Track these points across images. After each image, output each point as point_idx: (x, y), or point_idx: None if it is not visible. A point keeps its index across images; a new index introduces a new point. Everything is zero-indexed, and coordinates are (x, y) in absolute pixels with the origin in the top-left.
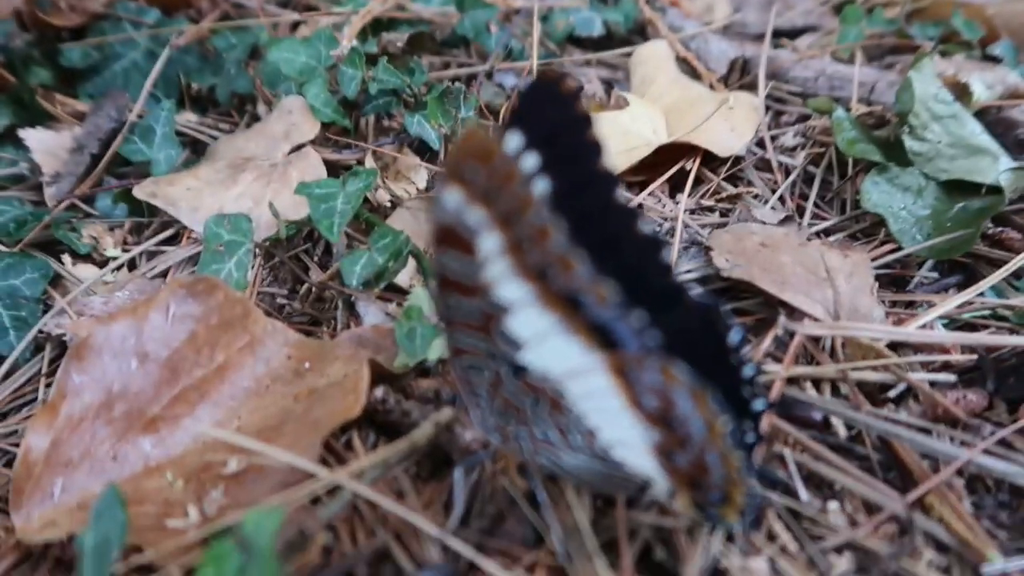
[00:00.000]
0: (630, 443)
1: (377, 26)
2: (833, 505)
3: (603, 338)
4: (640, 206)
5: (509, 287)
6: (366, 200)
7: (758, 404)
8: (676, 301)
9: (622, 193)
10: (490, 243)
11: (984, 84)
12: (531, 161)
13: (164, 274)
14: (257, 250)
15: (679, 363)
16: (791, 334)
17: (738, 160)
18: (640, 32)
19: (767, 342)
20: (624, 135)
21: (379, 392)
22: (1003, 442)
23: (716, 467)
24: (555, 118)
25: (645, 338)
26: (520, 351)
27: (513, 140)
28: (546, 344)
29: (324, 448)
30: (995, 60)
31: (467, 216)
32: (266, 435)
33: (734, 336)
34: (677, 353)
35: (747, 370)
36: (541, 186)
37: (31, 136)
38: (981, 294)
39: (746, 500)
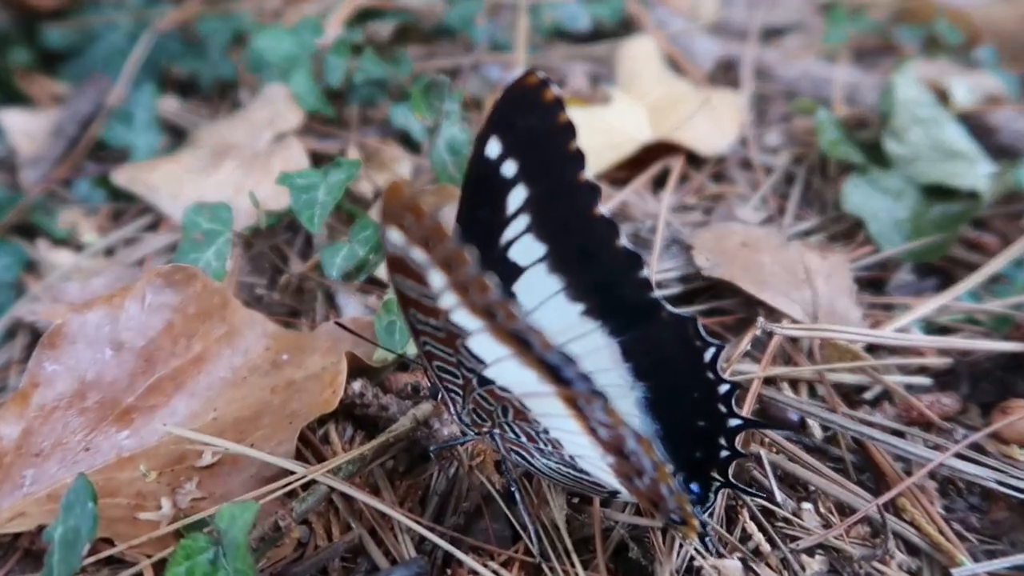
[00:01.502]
0: (591, 460)
1: (363, 15)
2: (807, 506)
3: (555, 374)
4: (623, 203)
5: (463, 318)
6: (348, 191)
7: (733, 421)
8: (653, 314)
9: (602, 207)
10: (437, 281)
11: (966, 88)
12: (509, 168)
13: (142, 262)
14: (237, 240)
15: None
16: (769, 334)
17: (721, 159)
18: (627, 27)
19: (745, 342)
20: (608, 132)
21: (357, 385)
22: (975, 446)
23: (669, 498)
24: (536, 126)
25: (591, 384)
26: (483, 367)
27: (491, 147)
28: (504, 367)
29: (301, 441)
30: (978, 64)
31: (412, 254)
32: (242, 427)
33: (711, 353)
34: (655, 365)
35: (723, 387)
36: (519, 193)
37: (9, 118)
38: (957, 298)
39: (703, 528)
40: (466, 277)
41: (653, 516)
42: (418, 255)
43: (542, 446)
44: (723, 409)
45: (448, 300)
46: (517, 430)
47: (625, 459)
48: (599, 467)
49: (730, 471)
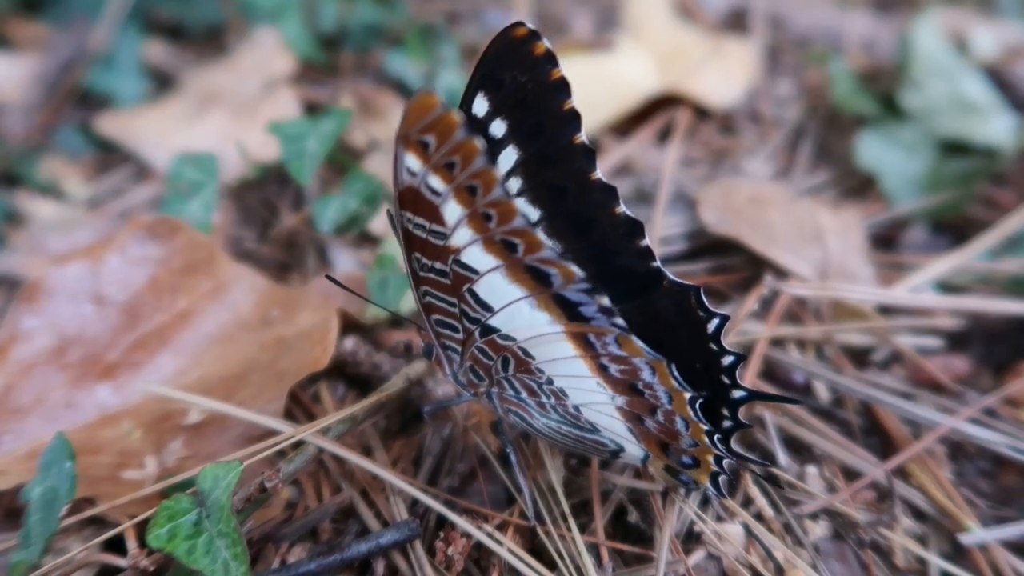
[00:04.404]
0: (598, 406)
1: None
2: (812, 470)
3: (570, 311)
4: (627, 157)
5: (476, 256)
6: (341, 141)
7: (737, 393)
8: (654, 283)
9: (601, 167)
10: (454, 213)
11: (992, 38)
12: (498, 128)
13: (128, 213)
14: (225, 191)
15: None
16: (776, 294)
17: (730, 111)
18: None
19: (752, 301)
20: (612, 81)
21: (349, 343)
22: (987, 410)
23: (684, 432)
24: (526, 83)
25: (613, 318)
26: (488, 316)
27: (478, 105)
28: (514, 311)
29: (291, 399)
30: (1001, 12)
31: (430, 182)
32: (230, 385)
33: (715, 324)
34: (654, 336)
35: (727, 359)
36: (508, 156)
37: None
38: (972, 257)
39: (717, 465)
40: (492, 200)
41: (654, 478)
42: (436, 183)
43: (544, 399)
44: (727, 381)
45: (462, 236)
46: (517, 385)
47: (638, 395)
48: (607, 414)
49: (732, 441)
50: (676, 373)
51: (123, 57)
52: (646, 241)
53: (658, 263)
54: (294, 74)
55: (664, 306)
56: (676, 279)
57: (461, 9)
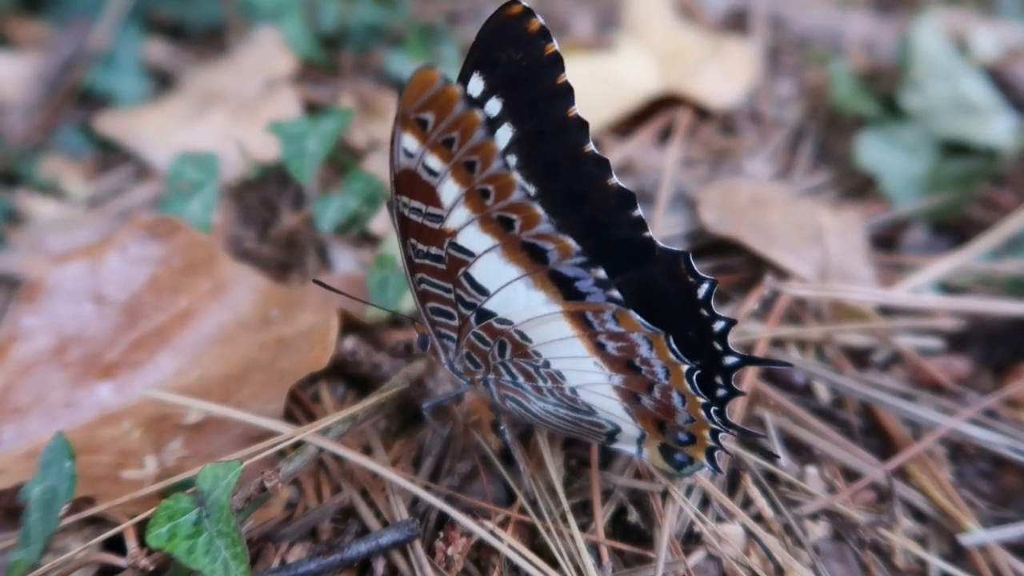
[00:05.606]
0: (595, 387)
1: None
2: (812, 470)
3: (566, 289)
4: (627, 157)
5: (472, 238)
6: (341, 141)
7: (730, 359)
8: (647, 254)
9: (592, 143)
10: (451, 192)
11: (992, 39)
12: (493, 107)
13: (128, 213)
14: (225, 191)
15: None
16: (777, 294)
17: (730, 111)
18: None
19: (752, 302)
20: (612, 81)
21: (349, 343)
22: (987, 410)
23: (681, 407)
24: (521, 60)
25: (609, 291)
26: (484, 299)
27: (474, 85)
28: (510, 292)
29: (291, 399)
30: (1001, 12)
31: (427, 161)
32: (230, 385)
33: (704, 289)
34: (647, 306)
35: (718, 325)
36: (503, 134)
37: None
38: (973, 258)
39: (713, 440)
40: (491, 175)
41: (659, 441)
42: (434, 162)
43: (541, 383)
44: (719, 347)
45: (458, 217)
46: (514, 370)
47: (635, 372)
48: (603, 394)
49: (727, 411)
50: (674, 346)
51: (123, 57)
52: (638, 211)
53: (650, 232)
54: (294, 74)
55: (655, 275)
56: (665, 246)
57: (461, 9)
